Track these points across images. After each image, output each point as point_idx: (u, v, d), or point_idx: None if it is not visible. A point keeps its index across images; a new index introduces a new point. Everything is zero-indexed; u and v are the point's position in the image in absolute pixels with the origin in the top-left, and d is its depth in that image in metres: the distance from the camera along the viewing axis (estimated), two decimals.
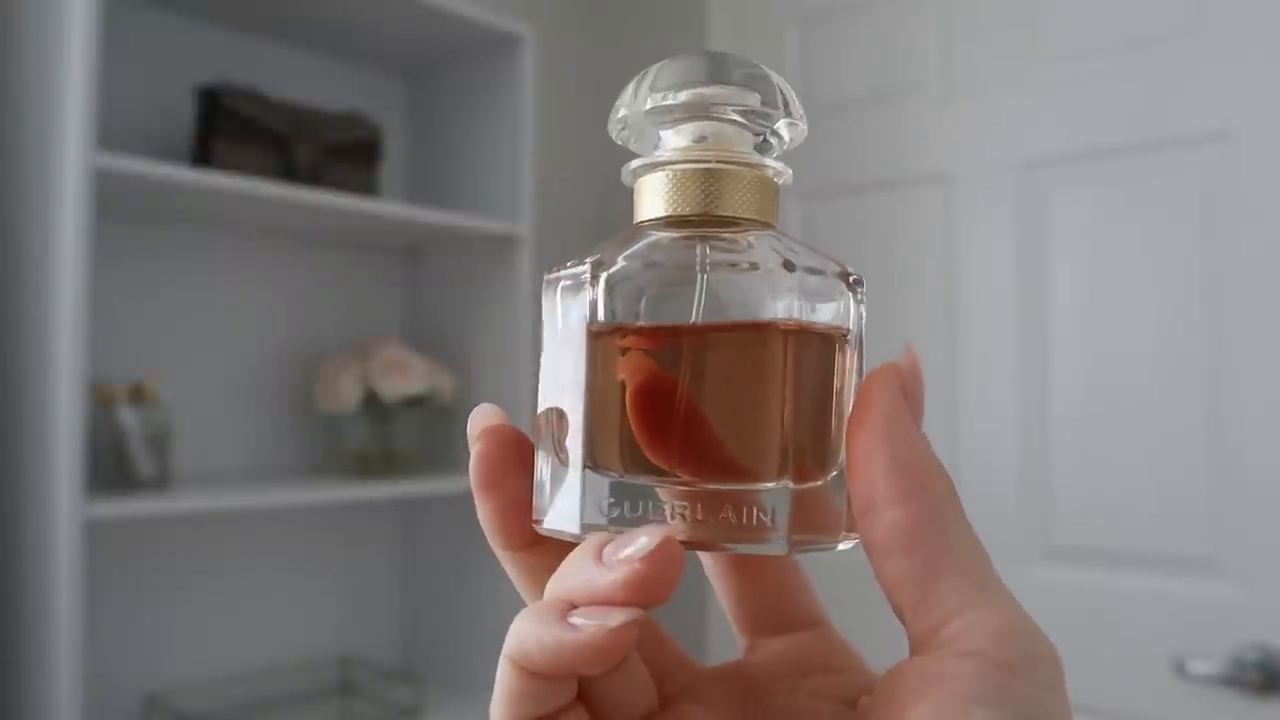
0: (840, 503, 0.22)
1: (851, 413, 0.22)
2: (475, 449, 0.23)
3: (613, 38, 1.69)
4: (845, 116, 1.36)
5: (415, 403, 1.30)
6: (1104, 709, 1.09)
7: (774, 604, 0.26)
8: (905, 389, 0.22)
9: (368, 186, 1.27)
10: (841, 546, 0.22)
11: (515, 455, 0.23)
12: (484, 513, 0.23)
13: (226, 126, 1.13)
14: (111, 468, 1.05)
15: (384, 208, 1.22)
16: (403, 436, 1.33)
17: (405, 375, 1.27)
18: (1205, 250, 1.06)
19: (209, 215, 1.23)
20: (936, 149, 1.26)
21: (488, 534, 0.23)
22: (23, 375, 1.02)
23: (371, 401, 1.27)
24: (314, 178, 1.19)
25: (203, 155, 1.13)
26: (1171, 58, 1.08)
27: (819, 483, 0.22)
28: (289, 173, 1.17)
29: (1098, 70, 1.14)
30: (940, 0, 1.27)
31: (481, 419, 0.23)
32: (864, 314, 0.24)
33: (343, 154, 1.24)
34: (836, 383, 0.23)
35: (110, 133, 1.08)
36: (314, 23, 1.28)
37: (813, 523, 0.22)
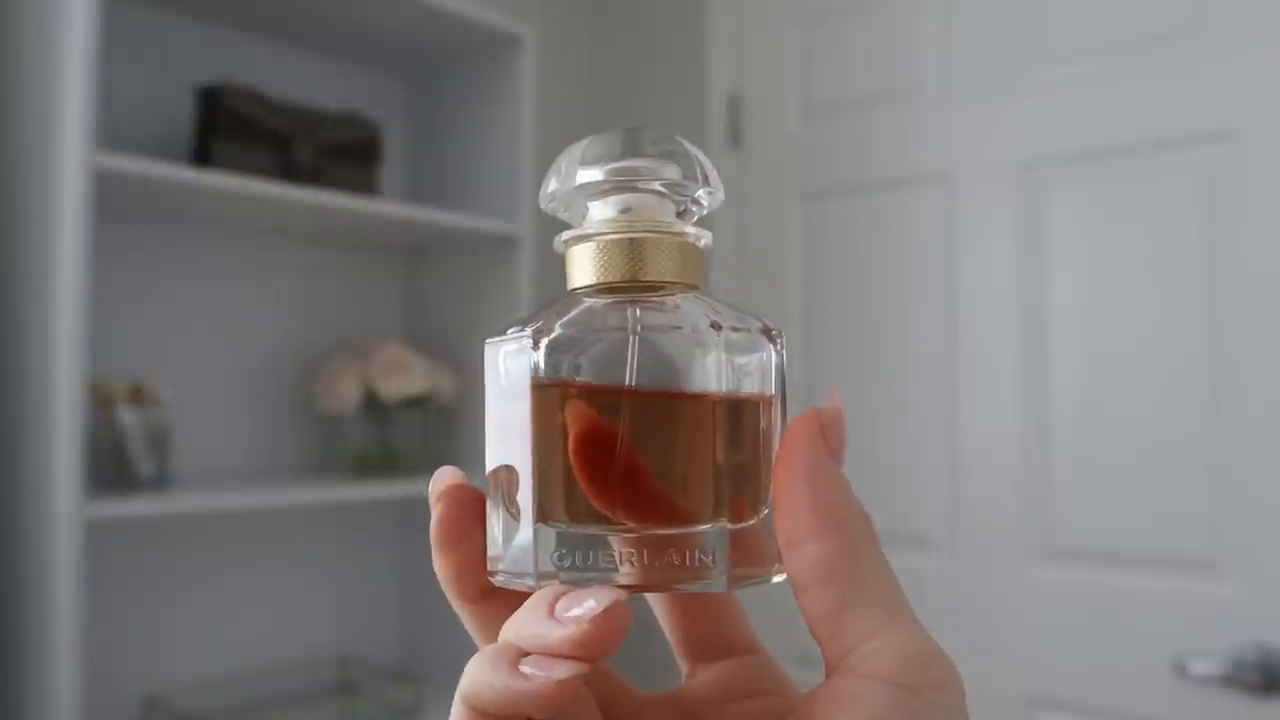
0: (772, 539, 0.24)
1: (777, 456, 0.23)
2: (436, 511, 0.24)
3: (613, 38, 1.69)
4: (846, 117, 1.36)
5: (415, 403, 1.30)
6: (1104, 709, 1.09)
7: (711, 633, 0.28)
8: (826, 432, 0.23)
9: (368, 186, 1.27)
10: (775, 579, 0.24)
11: (473, 515, 0.24)
12: (442, 569, 0.25)
13: (226, 126, 1.13)
14: (111, 468, 1.05)
15: (384, 208, 1.22)
16: (403, 436, 1.33)
17: (405, 375, 1.27)
18: (1205, 250, 1.06)
19: (209, 215, 1.23)
20: (937, 149, 1.26)
21: (445, 589, 0.25)
22: (23, 375, 1.02)
23: (371, 401, 1.27)
24: (314, 178, 1.19)
25: (203, 155, 1.13)
26: (1171, 58, 1.08)
27: (752, 521, 0.24)
28: (289, 173, 1.17)
29: (1098, 70, 1.14)
30: (940, 0, 1.27)
31: (442, 481, 0.25)
32: (785, 361, 0.25)
33: (343, 154, 1.24)
34: (764, 426, 0.24)
35: (110, 133, 1.08)
36: (314, 23, 1.28)
37: (748, 559, 0.23)
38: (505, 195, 1.34)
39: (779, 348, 0.25)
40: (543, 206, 0.27)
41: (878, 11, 1.34)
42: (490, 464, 0.24)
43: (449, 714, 0.23)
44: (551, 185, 0.26)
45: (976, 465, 1.21)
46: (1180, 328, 1.07)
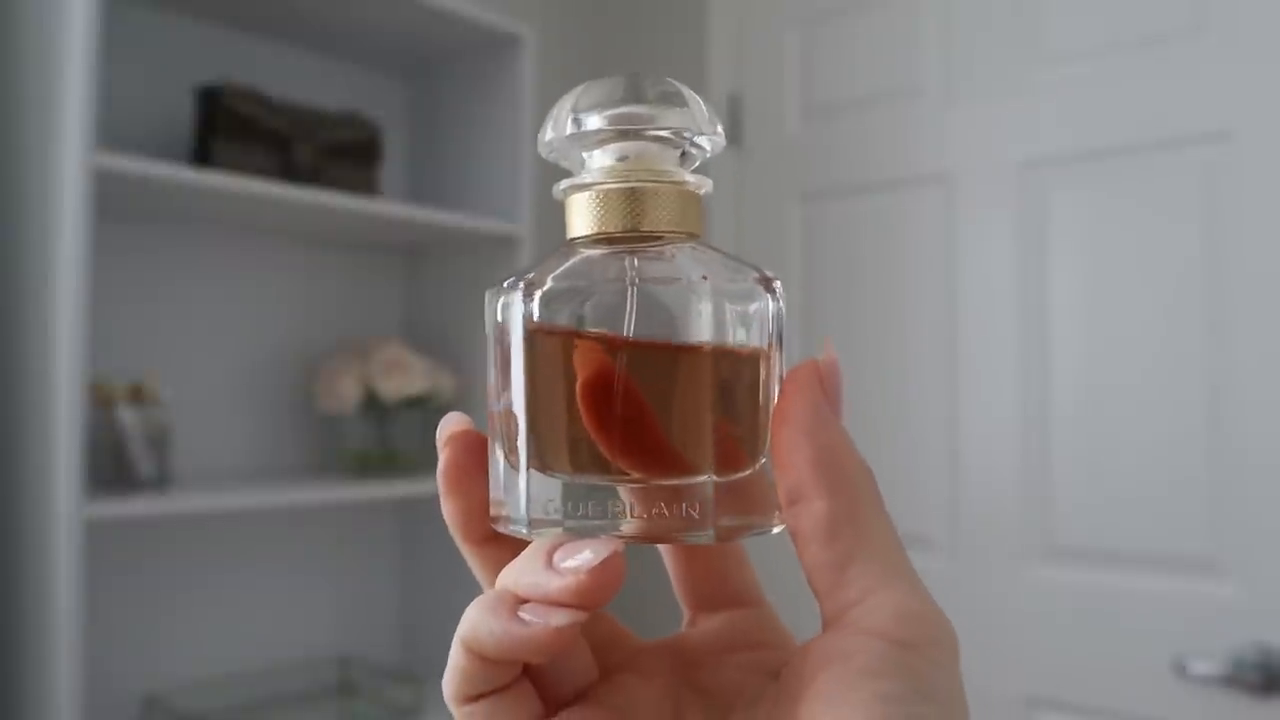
0: (770, 489, 0.24)
1: (776, 409, 0.23)
2: (443, 454, 0.25)
3: (613, 38, 1.69)
4: (846, 117, 1.36)
5: (415, 403, 1.30)
6: (1104, 709, 1.09)
7: (715, 583, 0.28)
8: (825, 385, 0.23)
9: (368, 186, 1.27)
10: (774, 530, 0.24)
11: (478, 459, 0.25)
12: (448, 512, 0.25)
13: (226, 126, 1.13)
14: (111, 468, 1.05)
15: (384, 208, 1.22)
16: (403, 436, 1.33)
17: (405, 375, 1.27)
18: (1205, 250, 1.06)
19: (209, 215, 1.23)
20: (937, 149, 1.26)
21: (451, 530, 0.25)
22: (23, 375, 1.02)
23: (371, 401, 1.27)
24: (314, 178, 1.19)
25: (203, 155, 1.13)
26: (1171, 58, 1.08)
27: (747, 473, 0.24)
28: (289, 173, 1.17)
29: (1098, 70, 1.14)
30: (940, 0, 1.27)
31: (450, 425, 0.25)
32: (783, 311, 0.25)
33: (343, 154, 1.24)
34: (761, 377, 0.24)
35: (110, 133, 1.08)
36: (314, 23, 1.28)
37: (743, 510, 0.23)
38: (505, 195, 1.34)
39: (777, 297, 0.25)
40: (541, 154, 0.27)
41: (878, 11, 1.34)
42: (491, 410, 0.25)
43: (448, 711, 0.23)
44: (549, 134, 0.25)
45: (976, 465, 1.21)
46: (1180, 328, 1.07)
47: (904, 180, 1.30)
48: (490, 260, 1.37)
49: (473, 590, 0.26)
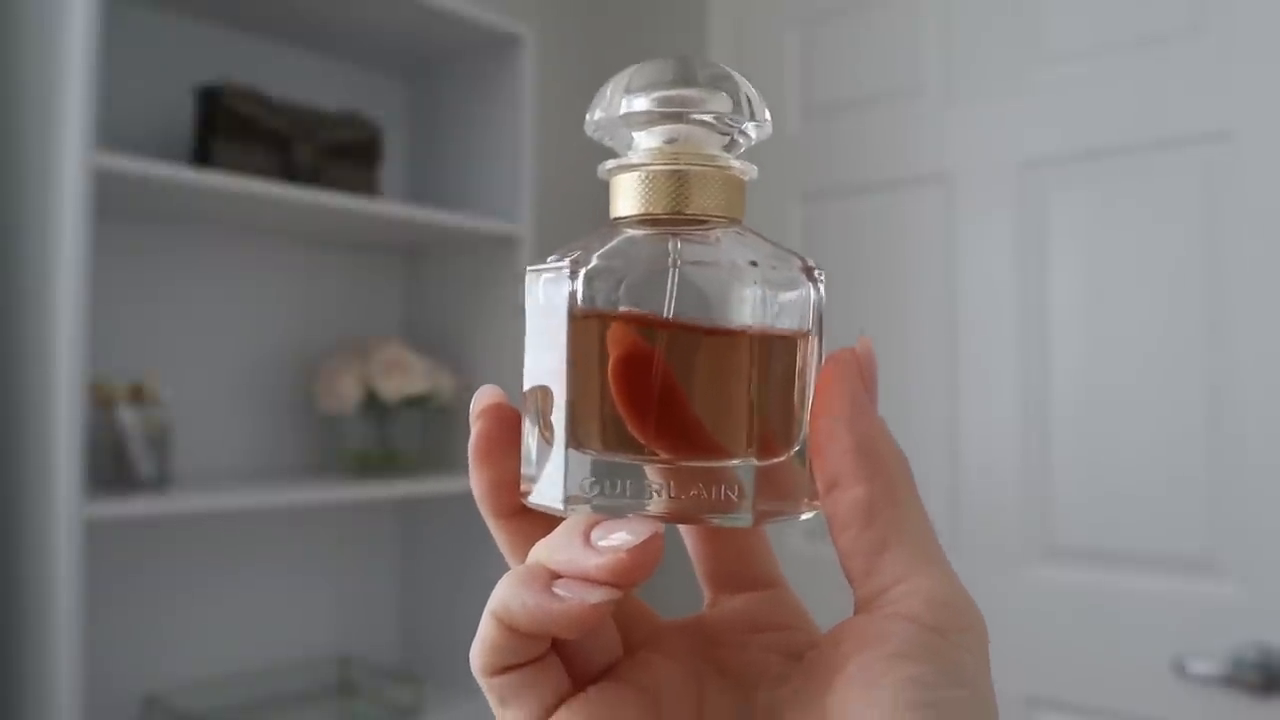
0: (803, 475, 0.24)
1: (814, 397, 0.24)
2: (476, 426, 0.25)
3: (613, 38, 1.69)
4: (845, 117, 1.36)
5: (415, 403, 1.30)
6: (1104, 709, 1.09)
7: (736, 565, 0.28)
8: (863, 375, 0.24)
9: (368, 186, 1.27)
10: (805, 516, 0.25)
11: (511, 433, 0.25)
12: (478, 484, 0.25)
13: (226, 126, 1.13)
14: (111, 468, 1.05)
15: (384, 208, 1.22)
16: (403, 436, 1.33)
17: (405, 375, 1.27)
18: (1205, 250, 1.06)
19: (209, 215, 1.23)
20: (937, 149, 1.26)
21: (479, 503, 0.25)
22: (23, 375, 1.02)
23: (371, 401, 1.27)
24: (314, 178, 1.19)
25: (203, 155, 1.13)
26: (1171, 58, 1.08)
27: (782, 458, 0.24)
28: (289, 173, 1.17)
29: (1098, 70, 1.14)
30: (940, 0, 1.27)
31: (484, 399, 0.25)
32: (824, 299, 0.25)
33: (343, 154, 1.24)
34: (799, 364, 0.24)
35: (110, 133, 1.08)
36: (314, 23, 1.28)
37: (777, 495, 0.24)
38: (505, 195, 1.34)
39: (819, 285, 0.25)
40: (588, 133, 0.26)
41: (878, 11, 1.34)
42: (527, 385, 0.25)
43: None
44: (597, 113, 0.25)
45: (976, 465, 1.21)
46: (1180, 328, 1.07)
47: (904, 180, 1.30)
48: (490, 260, 1.37)
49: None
